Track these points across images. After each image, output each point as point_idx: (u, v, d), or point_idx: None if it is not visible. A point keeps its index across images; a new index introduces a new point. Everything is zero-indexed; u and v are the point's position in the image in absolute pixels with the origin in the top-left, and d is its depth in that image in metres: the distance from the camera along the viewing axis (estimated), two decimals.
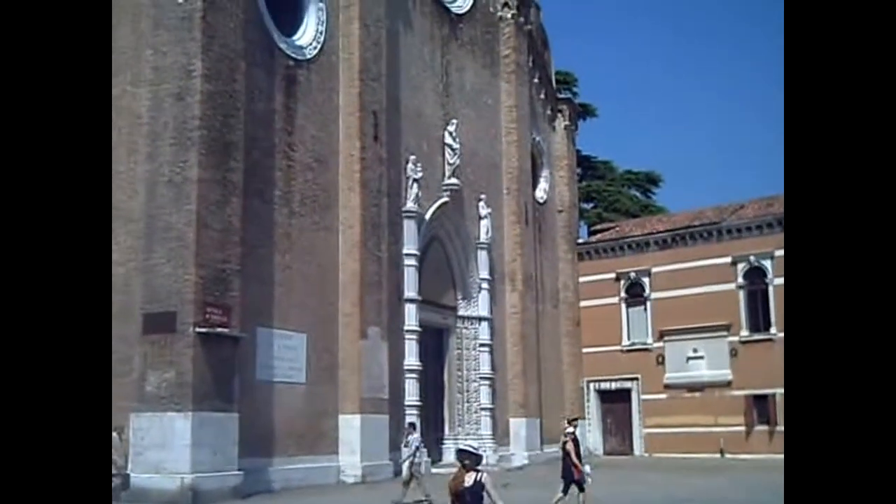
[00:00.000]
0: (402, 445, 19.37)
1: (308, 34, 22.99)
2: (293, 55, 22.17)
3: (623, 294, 36.66)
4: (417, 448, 18.36)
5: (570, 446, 15.08)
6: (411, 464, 17.86)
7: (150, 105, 18.72)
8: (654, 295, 35.75)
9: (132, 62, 19.37)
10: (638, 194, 54.30)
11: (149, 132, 18.66)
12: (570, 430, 15.63)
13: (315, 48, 22.96)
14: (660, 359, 35.39)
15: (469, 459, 7.49)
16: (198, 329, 17.52)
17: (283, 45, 21.87)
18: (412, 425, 20.56)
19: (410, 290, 25.69)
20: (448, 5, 30.24)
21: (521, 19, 34.03)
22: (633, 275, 36.37)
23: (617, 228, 39.96)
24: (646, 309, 36.11)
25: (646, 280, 36.11)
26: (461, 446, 7.76)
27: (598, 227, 42.99)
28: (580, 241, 38.70)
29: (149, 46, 18.96)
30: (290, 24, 22.75)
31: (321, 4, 23.27)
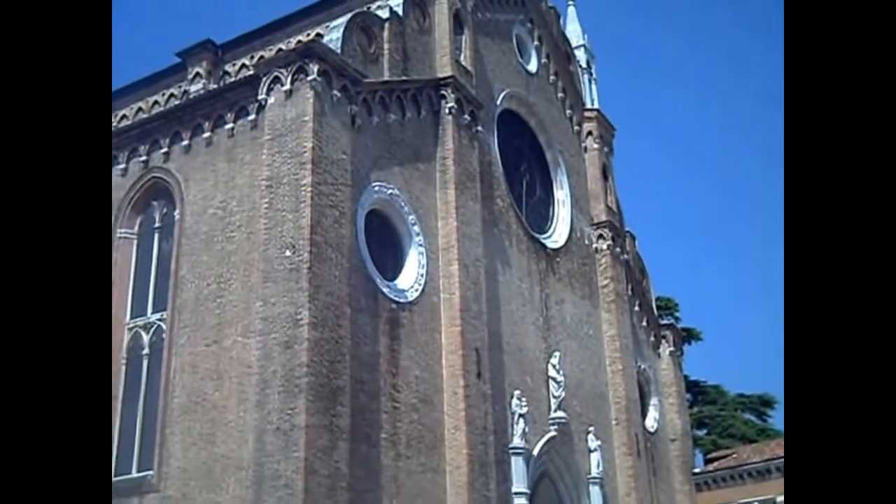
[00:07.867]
0: None
1: (409, 277, 23.68)
2: (396, 298, 22.76)
3: None
4: None
5: None
6: None
7: (259, 354, 19.23)
8: None
9: (243, 314, 20.19)
10: (753, 418, 52.39)
11: (258, 381, 19.05)
12: None
13: (417, 290, 23.55)
14: None
15: None
16: None
17: (385, 290, 22.51)
18: None
19: None
20: (544, 241, 30.99)
21: (617, 249, 34.52)
22: None
23: (734, 455, 38.35)
24: None
25: None
26: None
27: (714, 454, 41.38)
28: (696, 470, 37.15)
29: (259, 299, 19.75)
30: (392, 268, 23.52)
31: (421, 249, 24.10)
